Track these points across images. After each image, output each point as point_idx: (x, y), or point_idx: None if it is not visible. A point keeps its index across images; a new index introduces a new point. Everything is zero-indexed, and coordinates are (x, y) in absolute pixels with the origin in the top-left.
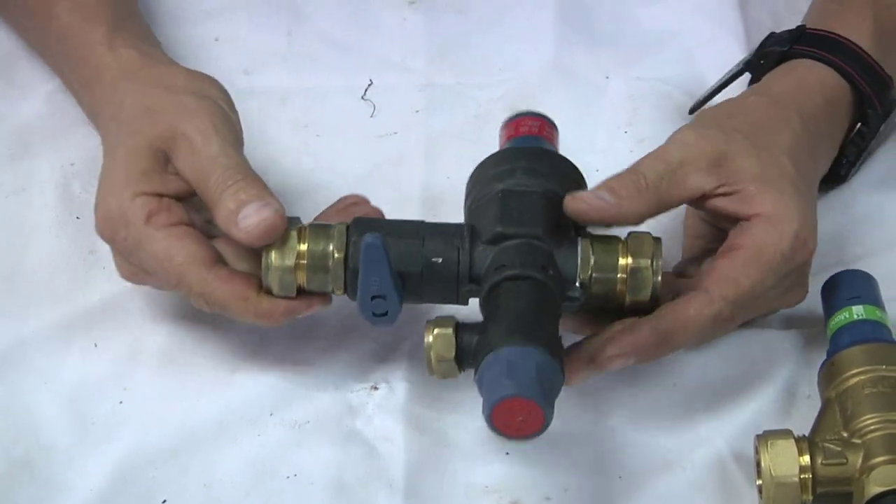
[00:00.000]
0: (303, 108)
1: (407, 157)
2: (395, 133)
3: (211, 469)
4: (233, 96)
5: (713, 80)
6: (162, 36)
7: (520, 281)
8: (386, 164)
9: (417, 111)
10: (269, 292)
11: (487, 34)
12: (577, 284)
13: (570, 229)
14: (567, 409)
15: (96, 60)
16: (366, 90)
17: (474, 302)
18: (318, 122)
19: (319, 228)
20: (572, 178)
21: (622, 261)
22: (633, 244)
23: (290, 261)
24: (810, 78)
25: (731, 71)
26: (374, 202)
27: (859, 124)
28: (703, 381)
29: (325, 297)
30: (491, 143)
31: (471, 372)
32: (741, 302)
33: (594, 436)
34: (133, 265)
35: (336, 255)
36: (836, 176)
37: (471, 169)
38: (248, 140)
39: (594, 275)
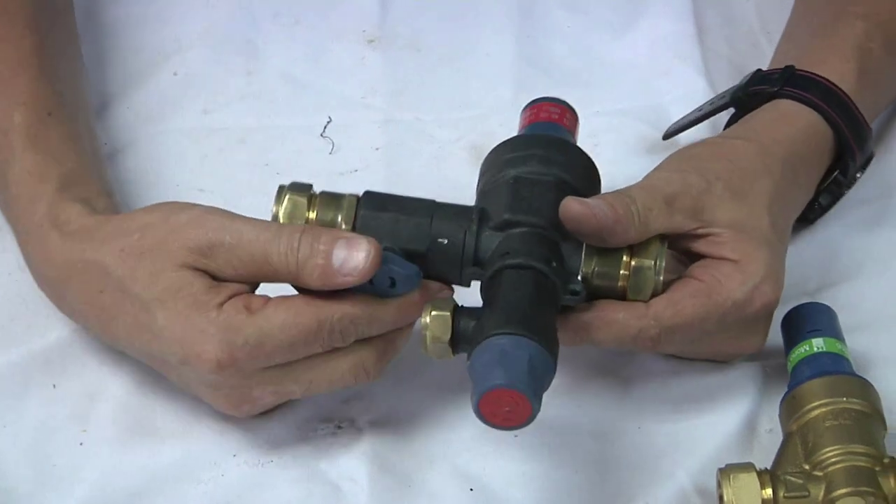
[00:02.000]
0: (262, 146)
1: None
2: (356, 171)
3: None
4: (192, 135)
5: (675, 111)
6: (119, 75)
7: (522, 270)
8: None
9: (377, 149)
10: None
11: (446, 72)
12: (579, 278)
13: None
14: (531, 448)
15: (42, 243)
16: (325, 127)
17: (475, 286)
18: (278, 161)
19: (330, 198)
20: (586, 171)
21: (626, 259)
22: (639, 246)
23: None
24: (799, 124)
25: (714, 102)
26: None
27: (836, 172)
28: (664, 416)
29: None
30: (452, 180)
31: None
32: (674, 329)
33: (556, 474)
34: (242, 387)
35: (344, 226)
36: (804, 218)
37: None
38: (207, 179)
39: (597, 270)
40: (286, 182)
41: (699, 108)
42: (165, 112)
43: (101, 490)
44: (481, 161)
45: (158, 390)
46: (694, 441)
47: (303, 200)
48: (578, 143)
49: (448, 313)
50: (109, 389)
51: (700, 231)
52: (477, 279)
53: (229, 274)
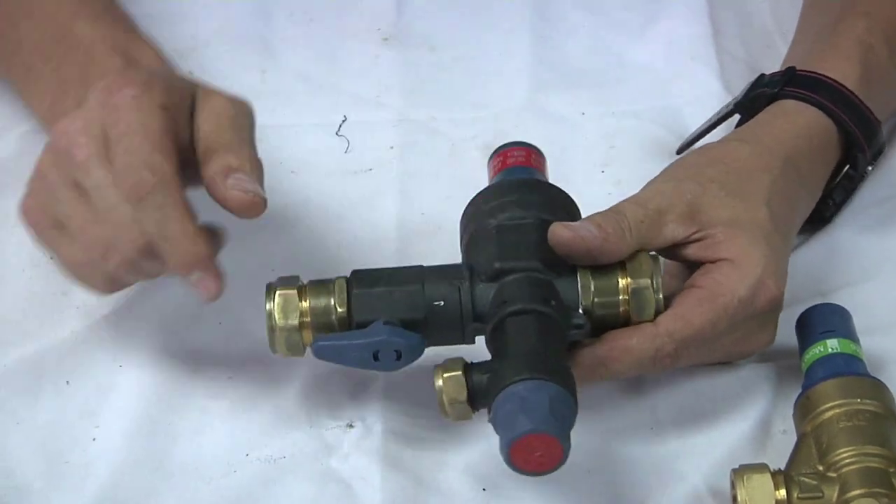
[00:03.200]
0: (277, 144)
1: (381, 194)
2: (370, 170)
3: None
4: None
5: (689, 113)
6: None
7: (523, 315)
8: (361, 201)
9: (392, 147)
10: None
11: (461, 71)
12: (581, 311)
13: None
14: None
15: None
16: (340, 126)
17: (480, 340)
18: (293, 159)
19: (319, 284)
20: (565, 206)
21: (622, 282)
22: (631, 265)
23: (294, 320)
24: (799, 122)
25: (720, 112)
26: (349, 238)
27: (847, 167)
28: (678, 417)
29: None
30: (465, 179)
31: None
32: (687, 341)
33: (569, 475)
34: (48, 195)
35: (339, 309)
36: (821, 217)
37: (445, 206)
38: None
39: (596, 300)
40: (273, 280)
41: (708, 120)
42: None
43: (113, 487)
44: None
45: (171, 387)
46: (707, 442)
47: (293, 293)
48: (592, 150)
49: (460, 372)
50: (122, 386)
51: (695, 236)
52: (480, 334)
53: (198, 125)
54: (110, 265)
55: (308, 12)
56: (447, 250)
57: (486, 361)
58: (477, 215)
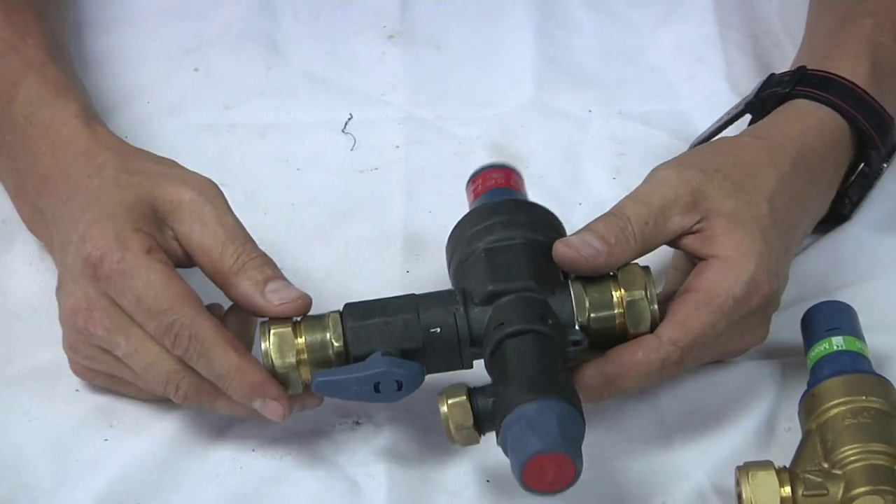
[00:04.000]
0: (282, 142)
1: (388, 193)
2: (376, 169)
3: (193, 503)
4: (213, 130)
5: (698, 116)
6: (140, 69)
7: (521, 336)
8: (367, 200)
9: (398, 146)
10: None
11: (466, 69)
12: (577, 328)
13: (558, 274)
14: None
15: (68, 132)
16: (346, 124)
17: (477, 364)
18: (298, 157)
19: (313, 320)
20: (549, 223)
21: (616, 295)
22: (625, 278)
23: (291, 358)
24: (811, 121)
25: (731, 112)
26: (355, 236)
27: (862, 164)
28: (683, 415)
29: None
30: None
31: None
32: (690, 346)
33: None
34: (93, 299)
35: (335, 344)
36: (839, 216)
37: (451, 205)
38: (227, 174)
39: (592, 315)
40: (265, 319)
41: (718, 119)
42: (186, 107)
43: (121, 485)
44: (502, 160)
45: None
46: (712, 439)
47: (287, 330)
48: (600, 149)
49: (464, 398)
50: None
51: (696, 227)
52: (478, 359)
53: (185, 233)
54: (179, 396)
55: (314, 10)
56: None
57: (489, 385)
58: (463, 240)
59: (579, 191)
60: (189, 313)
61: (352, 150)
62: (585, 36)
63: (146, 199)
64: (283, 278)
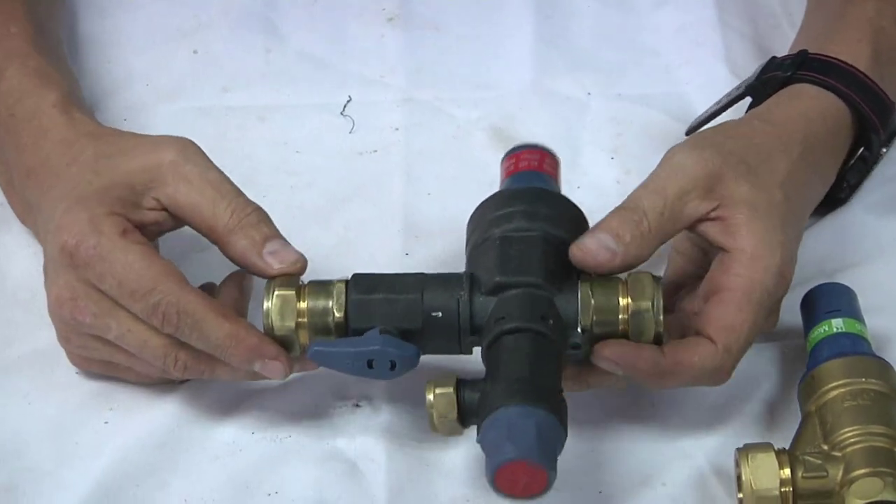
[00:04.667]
0: (282, 125)
1: (387, 175)
2: (375, 151)
3: (192, 486)
4: (212, 113)
5: (697, 100)
6: (139, 52)
7: (519, 334)
8: (366, 182)
9: (397, 129)
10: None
11: (465, 52)
12: (579, 330)
13: (570, 272)
14: None
15: (47, 121)
16: (345, 106)
17: (476, 350)
18: (298, 139)
19: (319, 286)
20: (573, 218)
21: (623, 302)
22: (633, 286)
23: (290, 322)
24: (814, 105)
25: (731, 94)
26: (355, 219)
27: (862, 149)
28: (681, 397)
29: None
30: (471, 161)
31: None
32: (742, 348)
33: (573, 452)
34: (76, 286)
35: (336, 314)
36: (836, 199)
37: (451, 187)
38: (226, 157)
39: (595, 319)
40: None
41: (718, 101)
42: (185, 90)
43: (120, 467)
44: (501, 143)
45: None
46: (711, 421)
47: (291, 293)
48: (599, 132)
49: (451, 389)
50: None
51: (714, 213)
52: (477, 346)
53: (171, 195)
54: (178, 368)
55: None
56: (453, 231)
57: (478, 380)
58: (483, 223)
59: (578, 173)
60: (173, 290)
61: (351, 132)
62: (584, 18)
63: (121, 179)
64: (280, 236)
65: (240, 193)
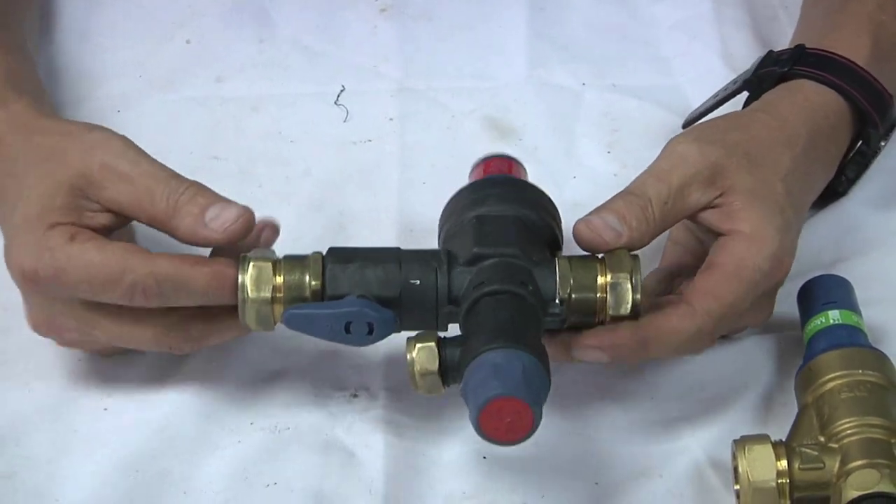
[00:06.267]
0: (275, 114)
1: (382, 165)
2: (370, 140)
3: (190, 476)
4: (205, 103)
5: (691, 90)
6: (132, 42)
7: (499, 295)
8: (361, 171)
9: (391, 118)
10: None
11: (458, 42)
12: (557, 302)
13: (545, 251)
14: (545, 416)
15: None
16: (338, 96)
17: (453, 329)
18: (292, 129)
19: (294, 260)
20: (544, 204)
21: (601, 278)
22: (612, 261)
23: (266, 293)
24: (816, 101)
25: (727, 88)
26: (349, 209)
27: (860, 142)
28: (679, 390)
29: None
30: (465, 150)
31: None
32: (722, 316)
33: (570, 443)
34: (49, 311)
35: (313, 283)
36: (835, 192)
37: (445, 176)
38: (220, 147)
39: (573, 293)
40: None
41: (715, 95)
42: (178, 80)
43: (119, 456)
44: (496, 133)
45: (179, 361)
46: (708, 414)
47: (267, 265)
48: (594, 122)
49: (433, 343)
50: (133, 357)
51: (715, 202)
52: (454, 321)
53: (110, 197)
54: (176, 351)
55: None
56: None
57: (459, 336)
58: (456, 209)
59: (573, 164)
60: (140, 263)
61: (345, 122)
62: (579, 10)
63: (59, 188)
64: (219, 201)
65: (174, 176)
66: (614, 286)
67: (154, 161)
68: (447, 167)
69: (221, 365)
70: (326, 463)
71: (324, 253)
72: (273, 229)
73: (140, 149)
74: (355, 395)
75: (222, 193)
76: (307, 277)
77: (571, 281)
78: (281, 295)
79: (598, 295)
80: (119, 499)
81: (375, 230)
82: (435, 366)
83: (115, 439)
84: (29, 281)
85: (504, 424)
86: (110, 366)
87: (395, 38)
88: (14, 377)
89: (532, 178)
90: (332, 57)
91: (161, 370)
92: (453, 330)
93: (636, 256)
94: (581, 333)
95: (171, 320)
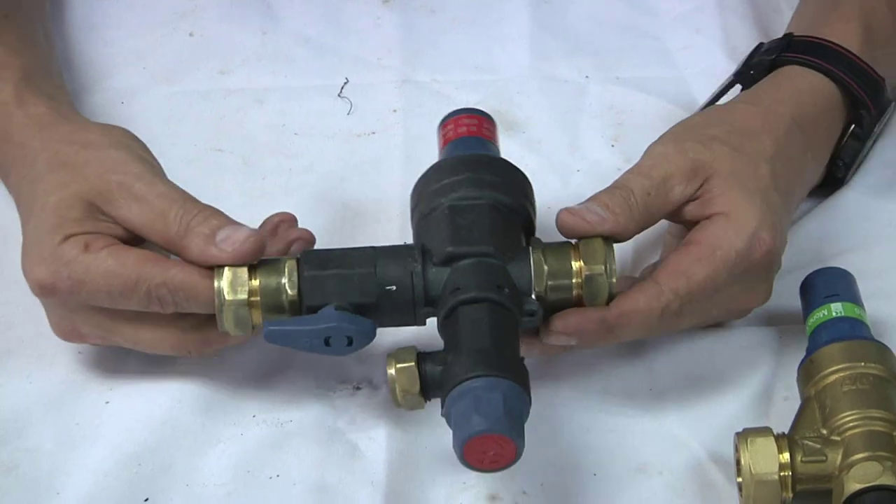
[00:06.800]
0: (279, 107)
1: (385, 157)
2: (374, 133)
3: (193, 469)
4: (209, 96)
5: (695, 82)
6: (135, 35)
7: (477, 304)
8: (364, 164)
9: (395, 110)
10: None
11: (461, 34)
12: (533, 297)
13: (520, 239)
14: (545, 409)
15: (4, 120)
16: (342, 88)
17: (430, 321)
18: (295, 122)
19: (269, 264)
20: (518, 183)
21: (575, 266)
22: (585, 250)
23: (242, 294)
24: (802, 85)
25: (722, 84)
26: (353, 201)
27: (853, 126)
28: (678, 382)
29: None
30: None
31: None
32: (691, 296)
33: (569, 435)
34: (71, 318)
35: (289, 292)
36: (834, 179)
37: None
38: (224, 140)
39: (549, 284)
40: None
41: (714, 92)
42: (181, 72)
43: (121, 448)
44: (500, 125)
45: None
46: (709, 408)
47: (243, 270)
48: (598, 115)
49: (412, 363)
50: (136, 353)
51: (697, 193)
52: (432, 317)
53: (124, 217)
54: (195, 356)
55: None
56: None
57: (439, 352)
58: (427, 193)
59: (577, 157)
60: (155, 273)
61: (349, 114)
62: (582, 3)
63: (84, 196)
64: (230, 223)
65: (188, 199)
66: (589, 279)
67: (169, 183)
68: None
69: (223, 358)
70: (329, 455)
71: (298, 257)
72: (305, 241)
73: (157, 169)
74: (358, 388)
75: (226, 186)
76: (284, 282)
77: (546, 274)
78: (257, 299)
79: (573, 281)
80: (121, 491)
81: (379, 222)
82: (416, 387)
83: (117, 432)
84: (47, 293)
85: (488, 457)
86: (112, 358)
87: (398, 31)
88: (16, 370)
89: (536, 171)
90: (336, 49)
91: (163, 363)
92: (431, 325)
93: (609, 242)
94: (550, 319)
95: (190, 324)
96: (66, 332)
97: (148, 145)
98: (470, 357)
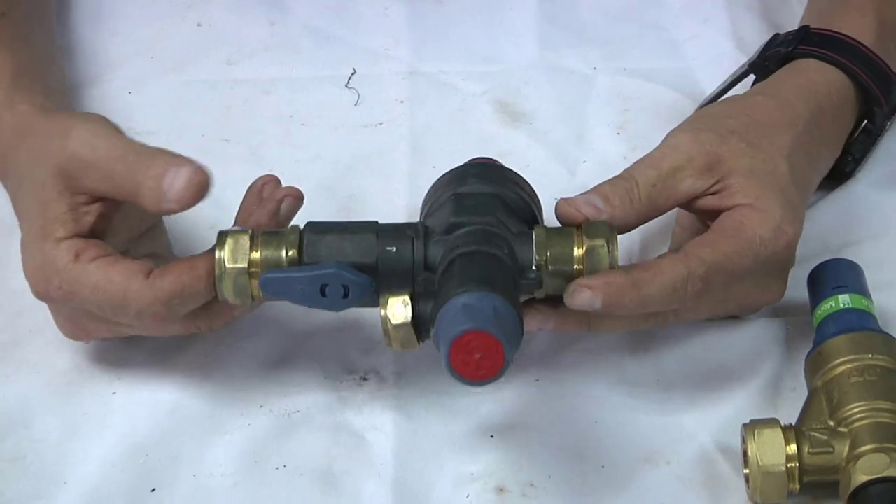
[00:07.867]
0: (287, 97)
1: (392, 148)
2: (381, 124)
3: (200, 459)
4: (217, 86)
5: (702, 73)
6: (143, 25)
7: (476, 255)
8: (371, 154)
9: (402, 101)
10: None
11: (469, 25)
12: (534, 268)
13: (523, 225)
14: (552, 397)
15: None
16: (349, 79)
17: None
18: (303, 112)
19: (272, 234)
20: (522, 185)
21: (577, 247)
22: (589, 229)
23: (242, 262)
24: (818, 80)
25: (735, 73)
26: (360, 192)
27: (865, 122)
28: (686, 374)
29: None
30: (477, 133)
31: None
32: (717, 268)
33: (577, 427)
34: (75, 319)
35: (289, 252)
36: (842, 173)
37: (456, 160)
38: (232, 131)
39: (550, 257)
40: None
41: (724, 82)
42: (189, 63)
43: (129, 439)
44: (507, 117)
45: (189, 341)
46: (716, 399)
47: (245, 239)
48: (606, 106)
49: (406, 296)
50: (142, 340)
51: (714, 188)
52: (431, 288)
53: (89, 188)
54: (205, 331)
55: None
56: None
57: (432, 292)
58: (435, 195)
59: (584, 148)
60: (143, 292)
61: (356, 105)
62: None
63: (57, 182)
64: (171, 165)
65: (131, 151)
66: (591, 250)
67: (112, 140)
68: (457, 150)
69: (231, 348)
70: (336, 445)
71: (301, 227)
72: (294, 198)
73: (105, 129)
74: (365, 378)
75: (233, 177)
76: (284, 248)
77: (548, 247)
78: (258, 270)
79: (574, 258)
80: (128, 481)
81: (386, 213)
82: (408, 316)
83: (124, 422)
84: (46, 298)
85: (474, 360)
86: (119, 349)
87: (405, 21)
88: (23, 360)
89: (543, 161)
90: (343, 40)
91: (170, 353)
92: None
93: (613, 228)
94: (572, 283)
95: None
96: (72, 332)
97: (156, 135)
98: (463, 279)
